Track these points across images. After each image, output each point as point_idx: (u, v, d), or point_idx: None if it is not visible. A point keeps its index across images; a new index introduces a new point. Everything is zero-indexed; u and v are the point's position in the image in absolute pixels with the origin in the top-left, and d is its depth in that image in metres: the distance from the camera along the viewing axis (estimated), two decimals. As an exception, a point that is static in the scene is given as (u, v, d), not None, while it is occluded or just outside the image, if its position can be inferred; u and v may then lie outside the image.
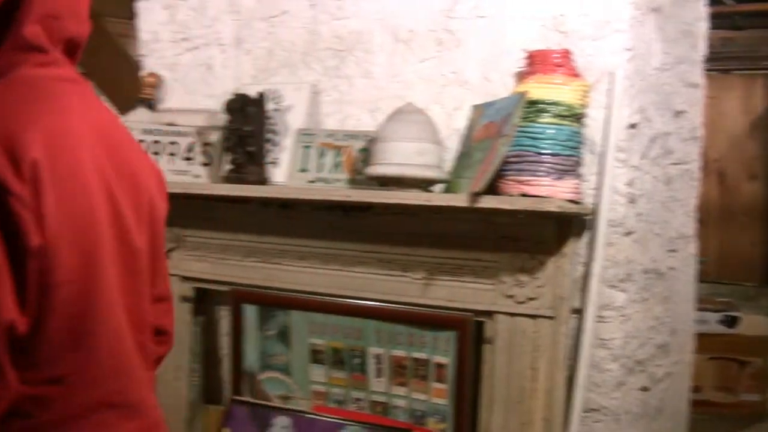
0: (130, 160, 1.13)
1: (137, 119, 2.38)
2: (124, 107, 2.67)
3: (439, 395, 2.00)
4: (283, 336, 2.20)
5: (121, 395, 1.07)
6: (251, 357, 2.24)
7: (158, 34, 2.50)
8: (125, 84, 3.33)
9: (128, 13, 2.68)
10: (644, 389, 1.94)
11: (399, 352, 2.05)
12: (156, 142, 2.29)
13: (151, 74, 2.48)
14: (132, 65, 3.07)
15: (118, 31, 3.77)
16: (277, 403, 2.21)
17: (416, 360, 2.03)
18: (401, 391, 2.06)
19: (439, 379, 2.00)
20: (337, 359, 2.13)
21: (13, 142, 0.92)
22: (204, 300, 2.36)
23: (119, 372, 1.06)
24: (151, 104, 2.45)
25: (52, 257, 0.94)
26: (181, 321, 2.32)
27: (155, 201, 1.19)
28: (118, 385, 1.06)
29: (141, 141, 2.27)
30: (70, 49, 1.08)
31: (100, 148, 1.05)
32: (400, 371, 2.05)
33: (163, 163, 2.23)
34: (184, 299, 2.31)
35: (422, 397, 2.03)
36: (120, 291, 1.06)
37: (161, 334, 1.23)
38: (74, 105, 1.04)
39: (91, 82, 1.19)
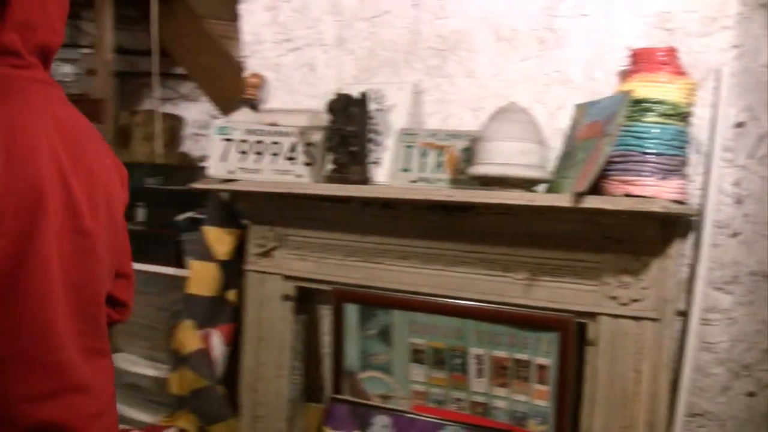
0: (88, 153, 1.37)
1: (240, 119, 2.65)
2: (227, 108, 2.96)
3: (540, 397, 2.19)
4: (384, 335, 2.42)
5: (37, 353, 1.25)
6: (352, 356, 2.48)
7: (261, 36, 2.77)
8: (228, 85, 3.65)
9: (231, 15, 2.97)
10: (750, 394, 2.06)
11: (500, 353, 2.24)
12: (259, 142, 2.55)
13: (254, 75, 2.75)
14: (235, 66, 3.36)
15: (221, 33, 4.09)
16: (377, 402, 2.44)
17: (518, 361, 2.22)
18: (502, 392, 2.25)
19: (541, 381, 2.18)
20: (438, 359, 2.34)
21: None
22: (306, 299, 2.61)
23: (37, 331, 1.24)
24: (254, 105, 2.72)
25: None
26: (283, 320, 2.58)
27: (111, 189, 1.43)
28: (34, 344, 1.24)
29: (244, 141, 2.54)
30: (44, 55, 1.34)
31: (58, 140, 1.28)
32: (501, 372, 2.24)
33: (266, 163, 2.49)
34: (286, 298, 2.57)
35: (523, 398, 2.22)
36: (63, 265, 1.27)
37: (120, 306, 1.52)
38: (38, 101, 1.28)
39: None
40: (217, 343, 2.74)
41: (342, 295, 2.48)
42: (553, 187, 2.09)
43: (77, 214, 1.30)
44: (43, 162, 1.24)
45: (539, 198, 2.03)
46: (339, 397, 2.49)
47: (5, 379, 1.23)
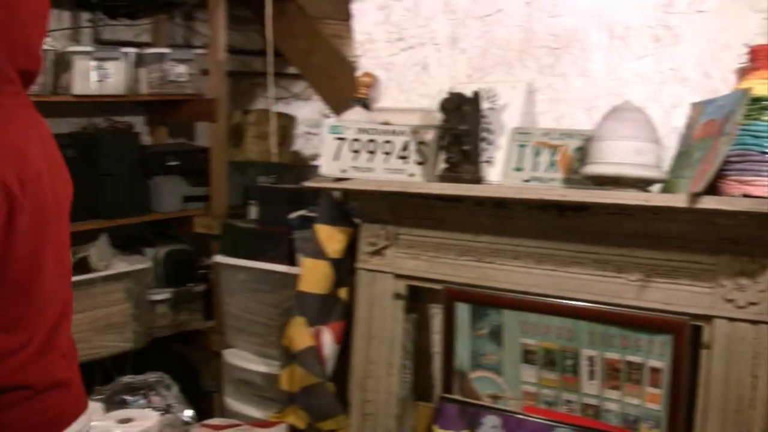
0: (57, 160, 1.67)
1: (353, 118, 2.80)
2: (339, 107, 3.12)
3: (653, 400, 2.26)
4: (495, 335, 2.53)
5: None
6: (462, 355, 2.60)
7: (373, 35, 2.92)
8: (340, 84, 3.82)
9: (343, 15, 3.13)
10: None
11: (612, 355, 2.32)
12: (371, 141, 2.69)
13: (367, 74, 2.90)
14: (347, 66, 3.54)
15: (333, 33, 4.28)
16: (487, 402, 2.55)
17: (630, 363, 2.29)
18: (614, 394, 2.33)
19: (654, 384, 2.25)
20: (549, 360, 2.43)
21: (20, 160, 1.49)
22: (416, 297, 2.75)
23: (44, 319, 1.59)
24: (366, 104, 2.87)
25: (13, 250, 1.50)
26: (394, 318, 2.72)
27: (68, 190, 1.72)
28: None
29: (356, 140, 2.69)
30: (26, 78, 1.61)
31: (44, 154, 1.58)
32: (613, 374, 2.32)
33: (378, 162, 2.63)
34: (398, 296, 2.70)
35: (635, 401, 2.29)
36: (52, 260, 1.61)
37: None
38: (29, 127, 1.59)
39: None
40: (328, 340, 2.90)
41: (453, 295, 2.59)
42: (668, 187, 2.16)
43: (61, 215, 1.67)
44: (45, 185, 1.56)
45: (654, 198, 2.10)
46: (449, 396, 2.61)
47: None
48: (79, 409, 1.73)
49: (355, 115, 2.83)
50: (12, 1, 1.52)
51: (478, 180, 2.44)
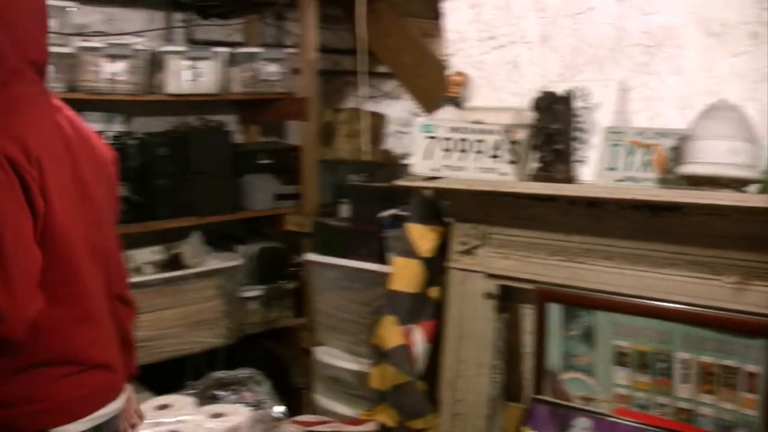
0: (89, 142, 1.94)
1: (444, 117, 2.87)
2: (430, 106, 3.19)
3: (748, 406, 2.27)
4: (587, 336, 2.57)
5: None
6: (553, 356, 2.65)
7: (464, 33, 2.98)
8: (431, 83, 3.89)
9: (434, 14, 3.20)
10: None
11: (707, 359, 2.34)
12: (463, 140, 2.76)
13: (458, 73, 2.97)
14: (437, 64, 3.58)
15: (423, 32, 4.34)
16: (578, 403, 2.59)
17: (725, 367, 2.31)
18: (708, 398, 2.35)
19: (750, 389, 2.26)
20: (642, 362, 2.47)
21: (23, 142, 1.68)
22: (507, 297, 2.81)
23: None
24: (457, 102, 2.94)
25: (53, 213, 1.72)
26: (485, 318, 2.79)
27: (109, 168, 2.03)
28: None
29: (448, 139, 2.76)
30: (37, 68, 1.82)
31: (61, 141, 1.81)
32: (707, 378, 2.34)
33: (470, 161, 2.70)
34: (489, 296, 2.77)
35: (730, 406, 2.31)
36: (80, 222, 1.83)
37: None
38: (44, 114, 1.81)
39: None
40: (419, 339, 2.97)
41: (545, 295, 2.65)
42: (765, 188, 2.17)
43: (84, 183, 1.87)
44: (63, 159, 1.80)
45: (751, 199, 2.12)
46: (540, 397, 2.67)
47: None
48: (118, 391, 2.00)
49: (446, 113, 2.91)
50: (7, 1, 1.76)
51: (570, 179, 2.49)
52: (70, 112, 1.93)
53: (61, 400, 1.82)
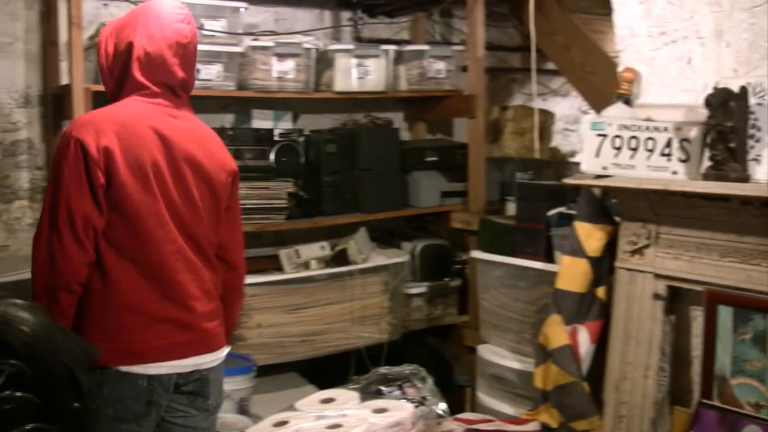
0: (191, 150, 2.46)
1: (614, 115, 2.89)
2: (599, 103, 3.21)
3: None
4: (760, 341, 2.54)
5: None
6: (723, 360, 2.63)
7: (635, 29, 2.99)
8: (600, 80, 3.90)
9: (603, 10, 3.22)
10: None
11: None
12: (633, 137, 2.77)
13: (629, 69, 2.98)
14: (607, 61, 3.61)
15: (592, 28, 4.35)
16: (748, 410, 2.56)
17: None
18: None
19: None
20: (820, 369, 2.43)
21: (98, 131, 2.30)
22: (676, 299, 2.81)
23: (149, 242, 2.38)
24: (628, 100, 2.95)
25: (119, 187, 2.31)
26: (653, 319, 2.79)
27: (212, 174, 2.50)
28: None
29: (618, 136, 2.79)
30: (170, 88, 2.48)
31: (163, 140, 2.39)
32: None
33: (640, 159, 2.72)
34: (657, 297, 2.78)
35: None
36: (176, 211, 2.40)
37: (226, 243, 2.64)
38: (145, 119, 2.39)
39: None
40: (584, 339, 3.01)
41: (716, 297, 2.63)
42: None
43: (186, 187, 2.43)
44: (144, 153, 2.35)
45: None
46: (708, 402, 2.65)
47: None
48: (193, 348, 2.46)
49: (616, 111, 2.92)
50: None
51: (744, 178, 2.47)
52: (193, 124, 2.54)
53: (134, 345, 2.36)
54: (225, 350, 2.61)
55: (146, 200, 2.36)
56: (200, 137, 2.52)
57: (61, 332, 2.21)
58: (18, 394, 2.07)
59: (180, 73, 2.48)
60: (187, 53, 2.51)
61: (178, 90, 2.51)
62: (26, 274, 3.30)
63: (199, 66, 3.74)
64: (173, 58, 2.45)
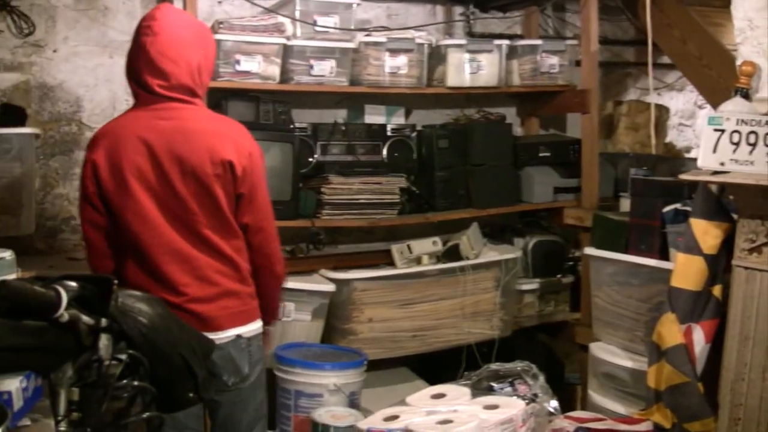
0: (178, 145, 2.56)
1: (732, 109, 2.82)
2: (715, 97, 3.14)
3: None
4: None
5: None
6: None
7: (754, 21, 2.90)
8: (717, 74, 3.81)
9: (720, 2, 3.14)
10: None
11: None
12: (752, 132, 2.70)
13: (747, 63, 2.90)
14: (724, 54, 3.51)
15: (710, 20, 4.24)
16: None
17: None
18: None
19: None
20: None
21: (94, 147, 2.64)
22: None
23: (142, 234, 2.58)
24: (746, 94, 2.88)
25: (105, 192, 2.58)
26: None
27: (195, 166, 2.56)
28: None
29: (736, 131, 2.72)
30: (186, 89, 2.61)
31: (143, 143, 2.56)
32: None
33: (759, 155, 2.65)
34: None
35: None
36: (165, 207, 2.57)
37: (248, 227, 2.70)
38: (135, 120, 2.62)
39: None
40: (699, 339, 2.94)
41: (838, 297, 2.55)
42: None
43: (170, 183, 2.55)
44: (125, 159, 2.55)
45: None
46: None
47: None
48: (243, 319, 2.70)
49: (734, 105, 2.87)
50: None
51: None
52: (182, 122, 2.61)
53: None
54: (228, 332, 2.67)
55: (124, 201, 2.57)
56: (187, 133, 2.60)
57: (178, 324, 2.29)
58: (135, 383, 2.15)
59: (171, 71, 2.58)
60: (170, 48, 2.58)
61: (176, 88, 2.60)
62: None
63: (312, 62, 3.81)
64: (171, 63, 2.59)
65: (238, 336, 2.69)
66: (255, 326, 2.76)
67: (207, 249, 2.63)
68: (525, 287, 4.44)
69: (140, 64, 2.59)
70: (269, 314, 2.88)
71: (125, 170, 2.56)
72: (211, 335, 2.53)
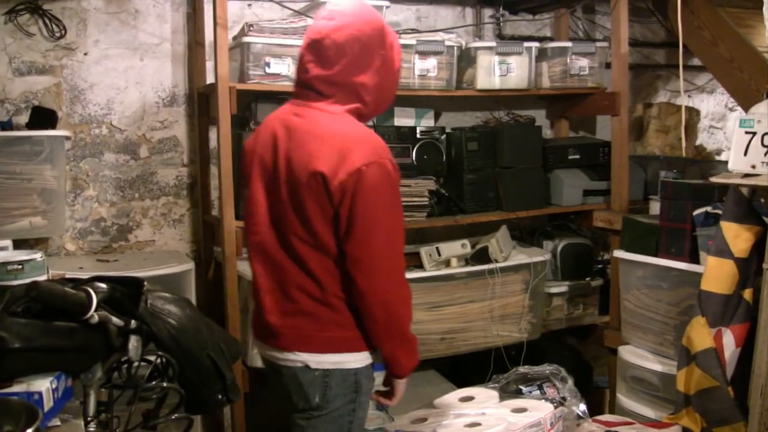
0: (290, 147, 2.43)
1: (763, 112, 2.79)
2: (747, 100, 3.11)
3: None
4: None
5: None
6: None
7: (788, 22, 2.88)
8: (748, 76, 3.77)
9: (752, 2, 3.10)
10: None
11: None
12: (783, 135, 2.69)
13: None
14: (756, 56, 3.47)
15: (741, 22, 4.20)
16: None
17: None
18: None
19: None
20: None
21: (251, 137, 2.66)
22: None
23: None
24: (780, 96, 2.85)
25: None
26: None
27: (295, 172, 2.38)
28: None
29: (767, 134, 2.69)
30: (305, 86, 2.48)
31: (272, 137, 2.49)
32: None
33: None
34: None
35: None
36: (271, 204, 2.48)
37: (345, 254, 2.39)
38: (278, 114, 2.55)
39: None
40: (729, 343, 2.92)
41: None
42: None
43: (278, 185, 2.44)
44: (260, 146, 2.53)
45: None
46: None
47: None
48: (268, 338, 2.52)
49: (766, 108, 2.83)
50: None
51: None
52: (309, 122, 2.44)
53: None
54: (292, 354, 2.44)
55: (248, 191, 2.56)
56: (306, 135, 2.41)
57: (207, 326, 2.30)
58: (164, 384, 2.17)
59: (314, 71, 2.44)
60: (322, 48, 2.42)
61: (316, 86, 2.44)
62: (172, 268, 3.50)
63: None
64: (308, 56, 2.47)
65: (306, 366, 2.42)
66: (338, 358, 2.44)
67: (294, 261, 2.41)
68: (554, 290, 4.41)
69: (302, 51, 2.54)
70: (387, 364, 2.56)
71: (254, 161, 2.55)
72: (276, 353, 2.46)
